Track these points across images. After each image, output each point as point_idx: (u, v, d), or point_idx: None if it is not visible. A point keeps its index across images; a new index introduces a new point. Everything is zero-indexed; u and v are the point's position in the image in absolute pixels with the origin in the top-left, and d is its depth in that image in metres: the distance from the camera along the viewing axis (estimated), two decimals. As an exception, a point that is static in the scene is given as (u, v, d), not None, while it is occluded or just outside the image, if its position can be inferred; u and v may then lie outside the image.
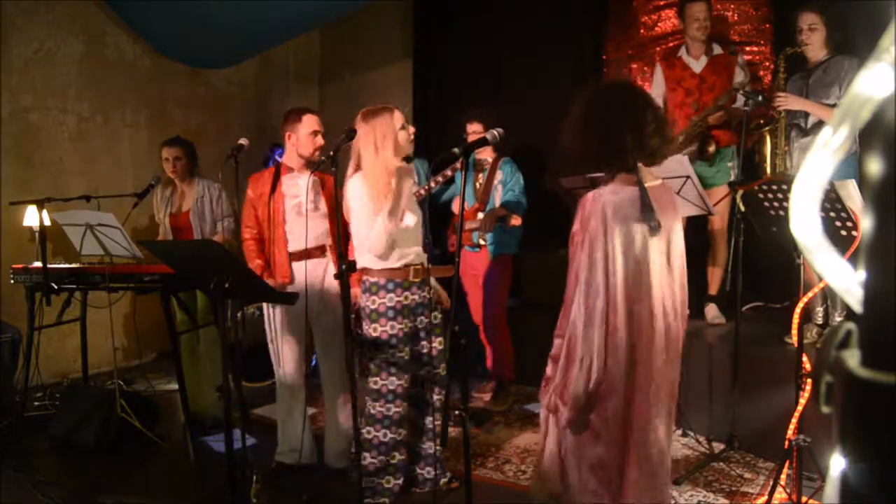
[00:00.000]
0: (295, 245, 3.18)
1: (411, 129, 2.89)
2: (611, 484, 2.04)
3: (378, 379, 2.79)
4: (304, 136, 3.15)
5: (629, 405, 2.02)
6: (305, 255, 3.18)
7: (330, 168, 2.53)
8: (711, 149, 3.85)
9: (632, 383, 2.02)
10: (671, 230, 2.08)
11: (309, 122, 3.15)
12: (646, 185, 2.02)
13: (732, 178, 3.93)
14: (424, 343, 2.90)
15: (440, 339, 2.92)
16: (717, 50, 3.99)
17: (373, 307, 2.78)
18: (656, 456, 2.06)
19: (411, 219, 2.81)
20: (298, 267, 3.19)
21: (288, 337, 3.25)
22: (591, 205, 2.01)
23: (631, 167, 2.04)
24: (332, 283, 3.25)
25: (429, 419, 2.96)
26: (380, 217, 2.68)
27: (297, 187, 3.17)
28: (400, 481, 2.90)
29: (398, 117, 2.78)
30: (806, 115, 3.52)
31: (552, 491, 2.16)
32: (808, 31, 3.45)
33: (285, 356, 3.25)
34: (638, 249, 2.00)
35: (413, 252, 2.83)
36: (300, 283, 3.15)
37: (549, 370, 2.09)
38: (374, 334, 2.77)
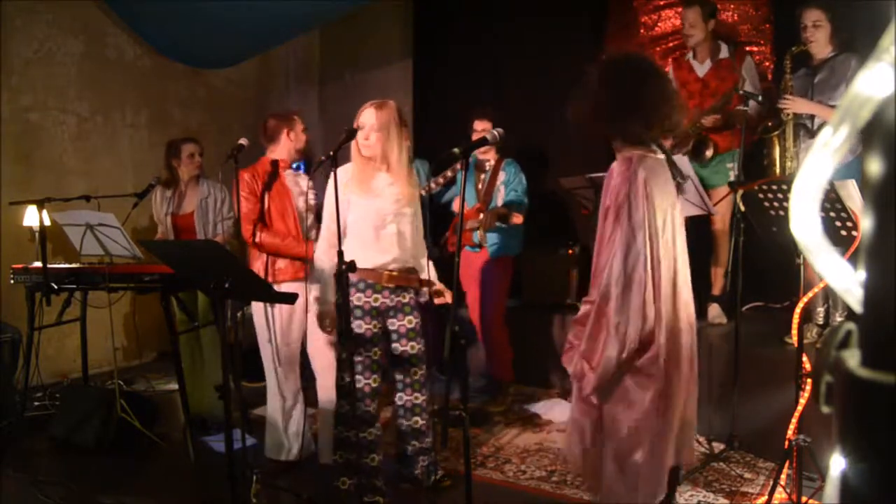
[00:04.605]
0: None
1: (367, 133, 2.82)
2: (638, 452, 2.02)
3: (345, 376, 2.79)
4: (300, 133, 3.35)
5: (672, 378, 2.01)
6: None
7: (331, 168, 2.54)
8: (709, 153, 3.82)
9: (674, 354, 2.01)
10: (677, 204, 2.10)
11: (299, 120, 3.38)
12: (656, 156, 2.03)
13: (731, 179, 3.92)
14: (396, 346, 2.90)
15: (413, 342, 2.91)
16: (724, 53, 3.97)
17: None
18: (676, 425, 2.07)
19: (393, 227, 2.81)
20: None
21: (288, 335, 3.26)
22: (626, 169, 1.98)
23: (648, 141, 2.03)
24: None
25: (403, 420, 2.97)
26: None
27: (299, 185, 3.30)
28: (381, 481, 2.90)
29: (360, 117, 2.79)
30: (812, 115, 3.51)
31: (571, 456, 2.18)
32: (813, 28, 3.43)
33: (286, 355, 3.26)
34: (668, 217, 1.99)
35: (391, 257, 2.81)
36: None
37: (571, 336, 2.06)
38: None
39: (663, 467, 2.03)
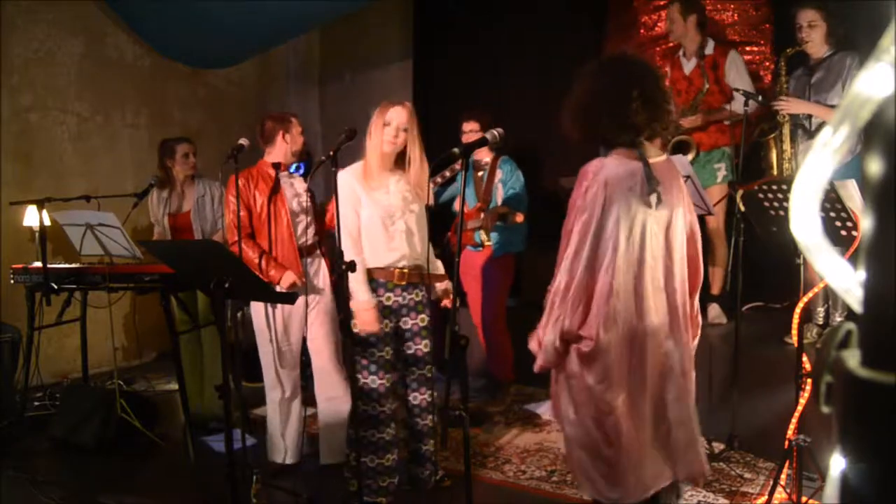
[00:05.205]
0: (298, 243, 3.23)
1: (396, 130, 2.78)
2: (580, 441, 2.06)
3: (360, 377, 2.80)
4: (296, 135, 3.30)
5: (627, 379, 2.02)
6: (305, 252, 3.23)
7: (331, 168, 2.54)
8: (690, 155, 3.81)
9: (632, 357, 2.02)
10: (675, 205, 2.07)
11: (296, 122, 3.33)
12: (649, 159, 2.01)
13: (720, 180, 3.93)
14: (410, 344, 2.90)
15: (426, 341, 2.92)
16: (710, 51, 3.97)
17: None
18: (652, 428, 2.07)
19: (402, 224, 2.80)
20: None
21: (288, 336, 3.26)
22: (591, 175, 2.00)
23: (627, 144, 2.03)
24: (324, 280, 3.31)
25: (418, 419, 2.97)
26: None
27: (293, 188, 3.27)
28: (395, 480, 2.91)
29: (387, 113, 2.75)
30: (810, 116, 3.51)
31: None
32: (808, 29, 3.43)
33: (285, 356, 3.26)
34: (636, 223, 1.99)
35: (401, 254, 2.80)
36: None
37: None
38: (354, 330, 2.77)
39: (615, 466, 2.03)
